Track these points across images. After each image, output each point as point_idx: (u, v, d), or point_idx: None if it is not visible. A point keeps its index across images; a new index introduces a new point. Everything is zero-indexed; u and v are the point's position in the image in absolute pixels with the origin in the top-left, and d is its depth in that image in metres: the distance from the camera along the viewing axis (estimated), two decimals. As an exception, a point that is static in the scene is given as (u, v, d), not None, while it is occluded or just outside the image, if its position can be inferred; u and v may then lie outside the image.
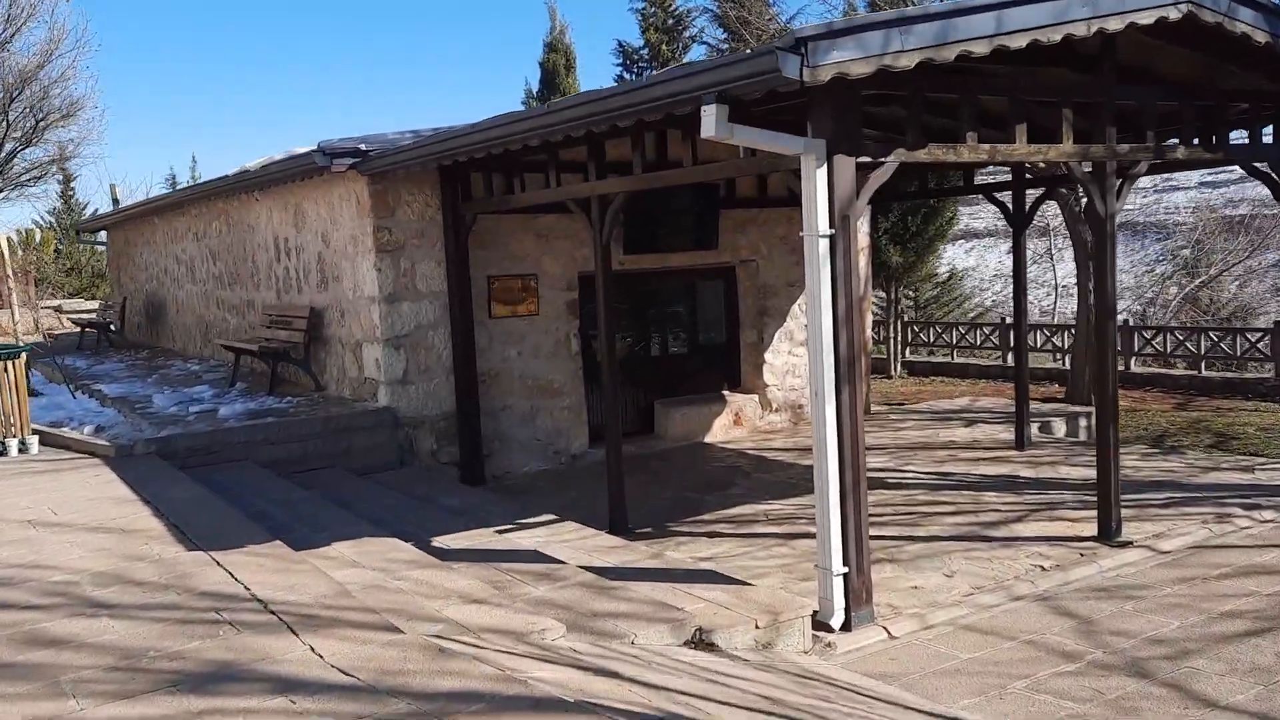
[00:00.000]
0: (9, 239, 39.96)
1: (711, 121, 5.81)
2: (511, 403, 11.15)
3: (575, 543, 7.57)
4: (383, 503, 8.53)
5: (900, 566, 7.40)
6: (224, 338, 14.87)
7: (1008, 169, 13.89)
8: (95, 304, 22.47)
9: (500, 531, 7.81)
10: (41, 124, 21.05)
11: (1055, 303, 29.93)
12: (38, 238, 35.58)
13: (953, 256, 32.77)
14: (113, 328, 18.21)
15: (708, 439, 12.48)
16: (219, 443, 9.48)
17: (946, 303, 27.58)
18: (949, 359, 21.76)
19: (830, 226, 6.21)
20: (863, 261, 13.76)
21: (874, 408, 14.14)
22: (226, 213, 14.41)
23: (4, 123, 20.50)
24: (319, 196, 11.36)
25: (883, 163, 6.41)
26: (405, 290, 10.45)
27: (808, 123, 6.18)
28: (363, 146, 9.95)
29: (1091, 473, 9.77)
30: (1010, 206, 11.08)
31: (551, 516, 8.40)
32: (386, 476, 9.96)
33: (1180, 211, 34.84)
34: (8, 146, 22.13)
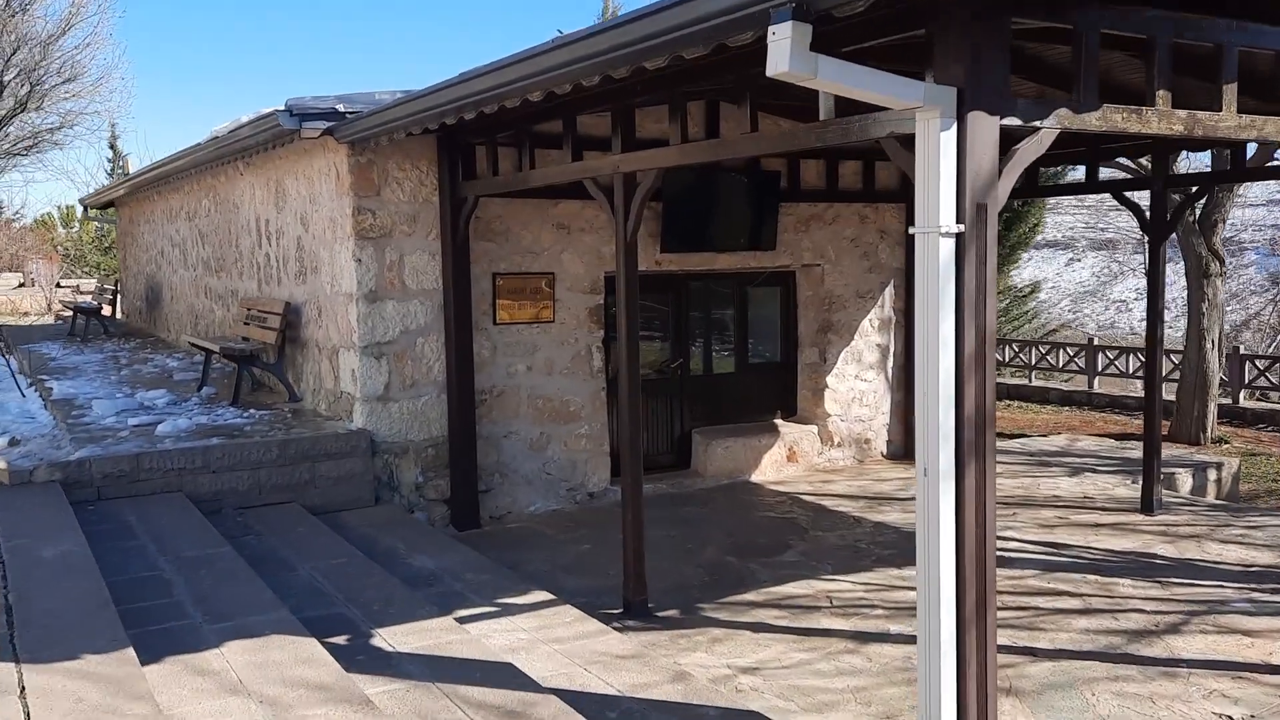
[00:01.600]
0: (47, 216, 38.73)
1: (785, 51, 3.73)
2: (517, 428, 9.16)
3: (571, 642, 5.56)
4: (330, 562, 6.58)
5: (1024, 702, 5.29)
6: (210, 331, 13.07)
7: (1124, 161, 11.60)
8: (94, 285, 20.87)
9: (469, 619, 5.82)
10: (62, 90, 19.44)
11: (1123, 320, 27.43)
12: (78, 214, 34.34)
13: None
14: (104, 311, 16.53)
15: (755, 477, 10.41)
16: (147, 469, 7.60)
17: (1016, 317, 25.19)
18: (1025, 380, 19.50)
19: (958, 220, 4.13)
20: (948, 271, 11.57)
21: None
22: (214, 189, 12.59)
23: (26, 87, 18.82)
24: (299, 170, 9.46)
25: (1037, 129, 4.29)
26: (390, 287, 8.51)
27: (931, 61, 4.09)
28: (340, 107, 8.01)
29: (1252, 554, 7.56)
30: (1148, 210, 8.86)
31: (546, 596, 6.39)
32: (353, 517, 8.02)
33: None
34: (32, 119, 20.52)
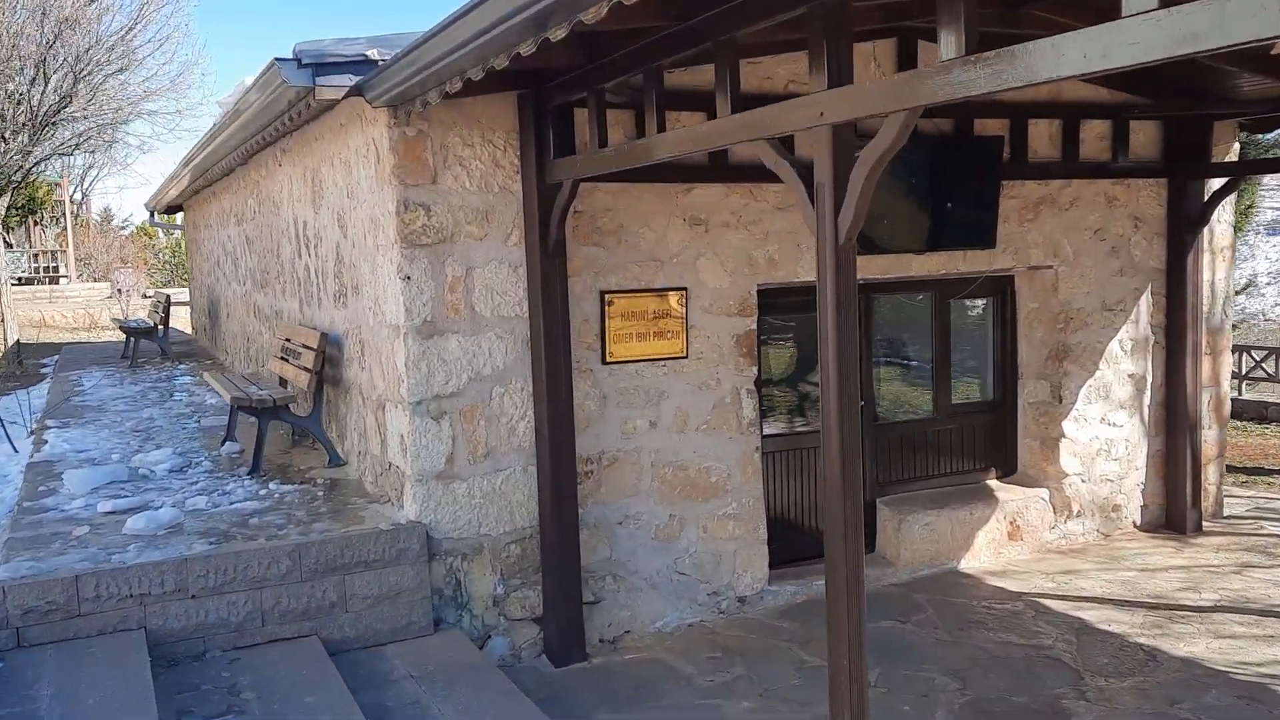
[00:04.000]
0: (147, 224, 37.60)
1: None
2: (637, 509, 6.42)
3: None
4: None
5: None
6: (259, 358, 10.71)
7: None
8: (150, 299, 18.95)
9: None
10: (115, 83, 17.47)
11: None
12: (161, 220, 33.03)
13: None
14: (159, 330, 14.43)
15: (966, 564, 7.45)
16: (92, 597, 5.10)
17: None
18: (1234, 393, 15.88)
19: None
20: (1221, 271, 8.39)
21: (1233, 499, 8.70)
22: (258, 185, 10.19)
23: (71, 78, 16.80)
24: (335, 153, 6.90)
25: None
26: (453, 315, 5.85)
27: None
28: (372, 53, 5.38)
29: None
30: None
31: None
32: (401, 659, 5.40)
33: None
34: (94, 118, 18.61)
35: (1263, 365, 15.02)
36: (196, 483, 6.90)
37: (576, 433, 6.12)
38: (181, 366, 13.77)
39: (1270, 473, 10.55)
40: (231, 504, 6.34)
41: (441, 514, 5.88)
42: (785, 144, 3.93)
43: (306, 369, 7.15)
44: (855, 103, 3.41)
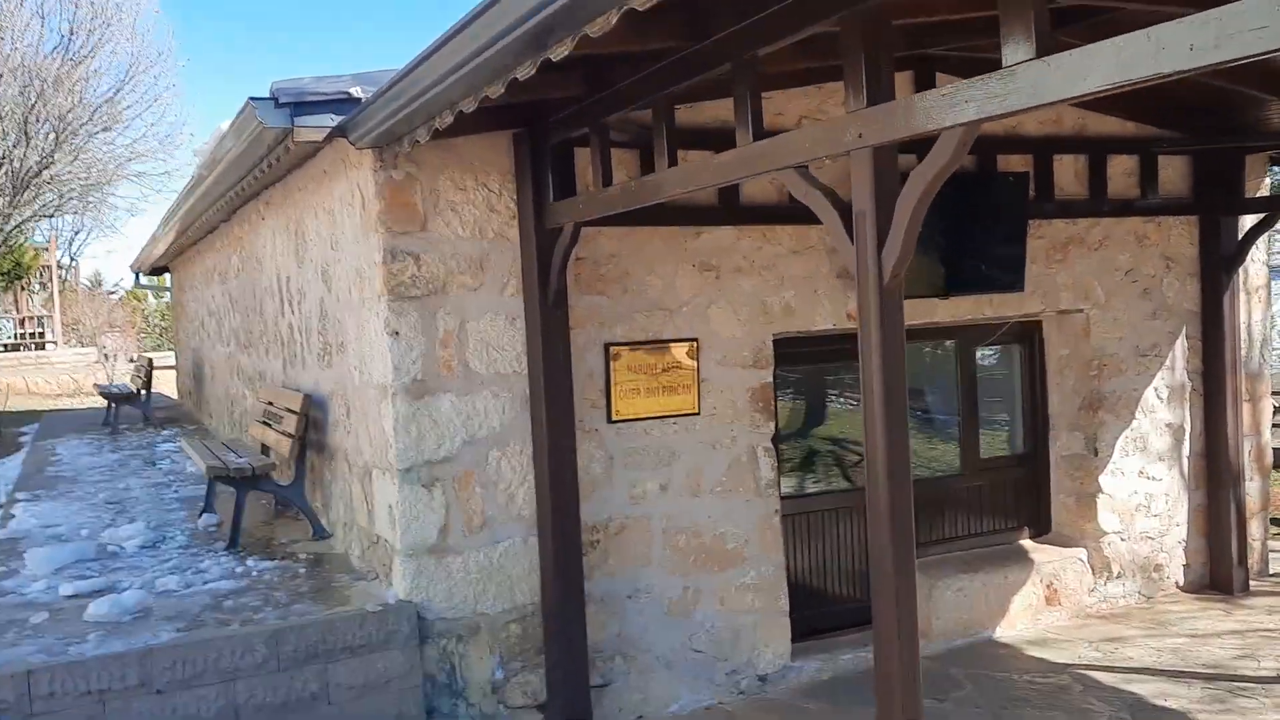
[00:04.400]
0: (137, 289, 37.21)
1: None
2: (648, 581, 5.89)
3: None
4: None
5: None
6: (244, 422, 10.19)
7: None
8: (134, 364, 18.45)
9: None
10: (100, 141, 17.14)
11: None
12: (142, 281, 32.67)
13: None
14: (140, 395, 13.91)
15: (1002, 633, 6.90)
16: (45, 695, 4.55)
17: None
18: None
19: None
20: (1258, 313, 7.96)
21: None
22: (241, 241, 9.77)
23: (53, 136, 16.36)
24: (319, 202, 6.47)
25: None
26: (446, 373, 5.37)
27: None
28: (355, 91, 4.96)
29: None
30: None
31: None
32: (389, 761, 4.83)
33: None
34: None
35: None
36: (169, 560, 6.36)
37: (581, 498, 5.62)
38: (165, 432, 13.24)
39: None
40: (205, 584, 5.79)
41: (434, 591, 5.35)
42: (810, 176, 3.47)
43: (288, 434, 6.65)
44: (900, 120, 2.97)
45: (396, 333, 5.26)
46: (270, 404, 7.45)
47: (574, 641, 5.47)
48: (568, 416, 5.45)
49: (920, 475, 7.21)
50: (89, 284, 40.56)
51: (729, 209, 5.97)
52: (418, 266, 5.29)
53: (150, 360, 13.95)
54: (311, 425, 6.77)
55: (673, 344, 5.93)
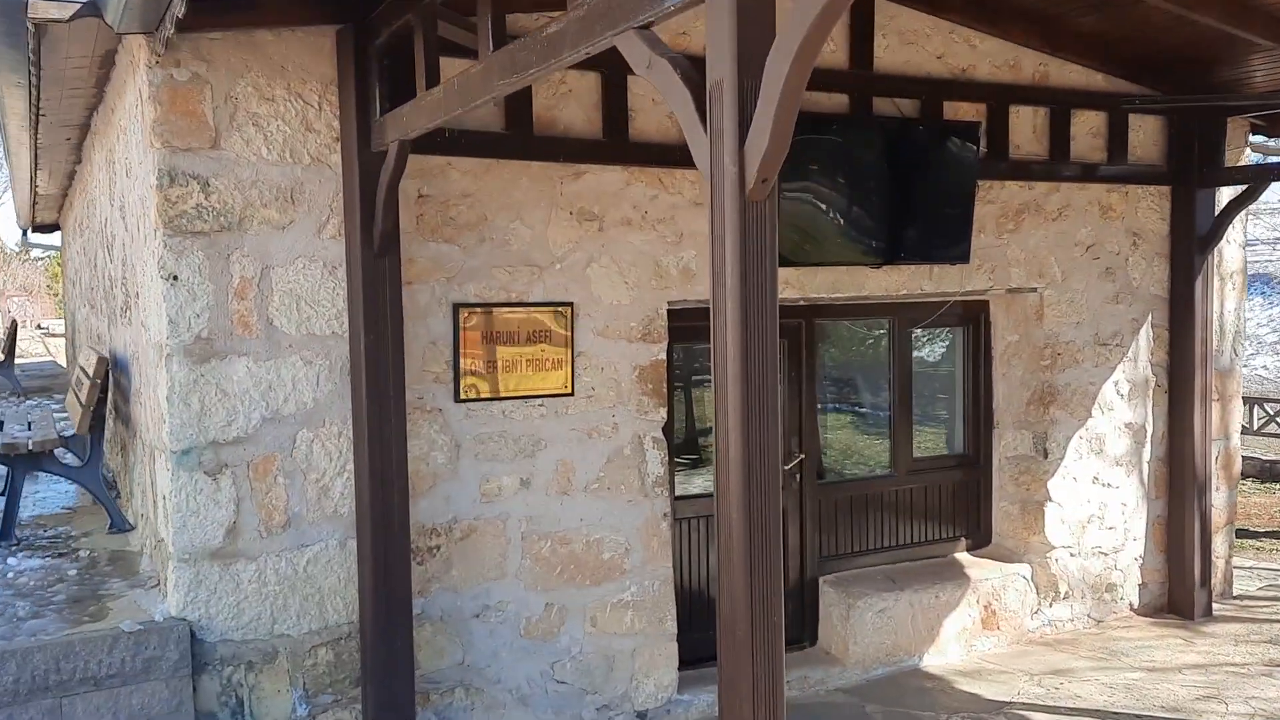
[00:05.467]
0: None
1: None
2: (502, 596, 4.80)
3: None
4: None
5: None
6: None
7: None
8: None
9: None
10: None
11: None
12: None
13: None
14: (3, 362, 12.54)
15: (932, 661, 5.91)
16: None
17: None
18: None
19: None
20: (1231, 302, 7.03)
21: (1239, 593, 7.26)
22: (84, 183, 8.49)
23: None
24: (118, 120, 5.28)
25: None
26: (241, 330, 4.23)
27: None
28: (117, -46, 3.78)
29: None
30: None
31: None
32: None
33: None
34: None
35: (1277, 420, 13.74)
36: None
37: (417, 494, 4.53)
38: (30, 403, 11.90)
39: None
40: (-61, 591, 4.61)
41: (217, 607, 4.22)
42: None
43: (82, 404, 5.47)
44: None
45: (175, 277, 4.11)
46: (81, 369, 6.26)
47: (399, 670, 4.37)
48: (398, 391, 4.34)
49: (845, 476, 6.21)
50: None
51: (616, 145, 4.89)
52: (205, 194, 4.14)
53: (15, 322, 12.58)
54: (119, 394, 5.60)
55: (542, 309, 4.84)
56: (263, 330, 4.27)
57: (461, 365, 4.67)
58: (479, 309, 4.70)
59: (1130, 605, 6.68)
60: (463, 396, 4.68)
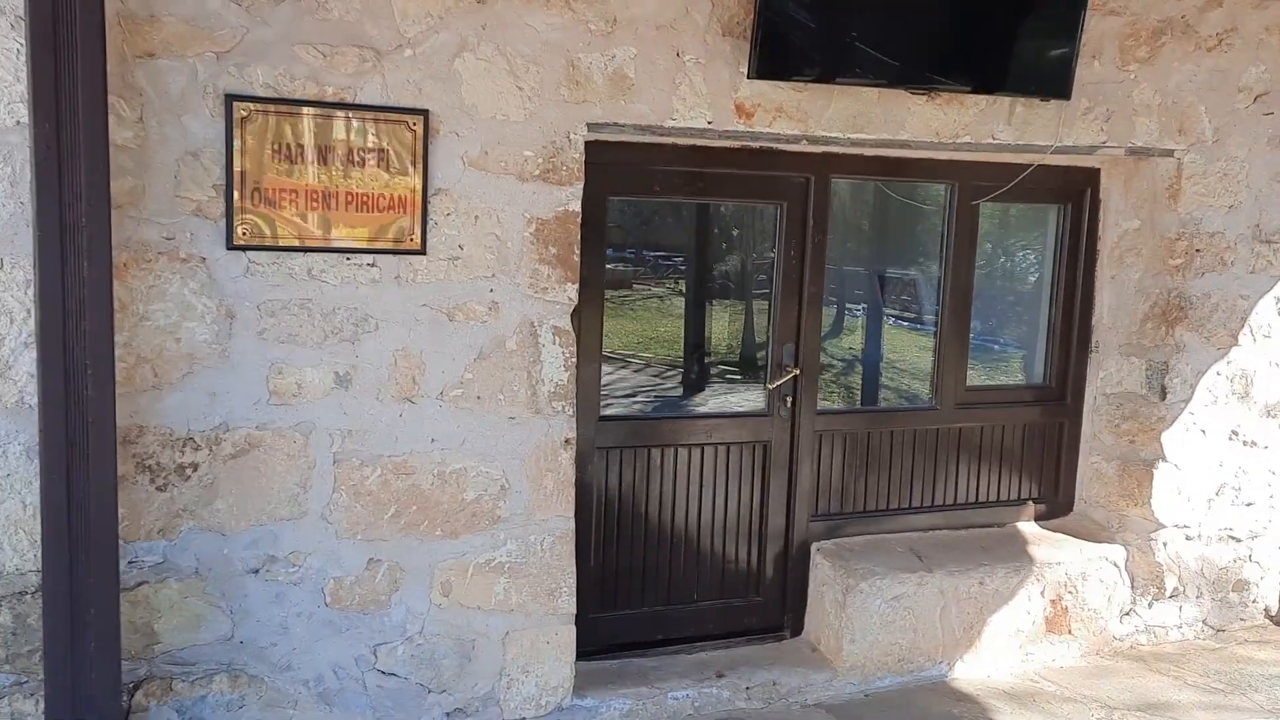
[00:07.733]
0: None
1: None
2: (296, 543, 3.23)
3: None
4: None
5: None
6: None
7: None
8: None
9: None
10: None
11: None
12: None
13: None
14: None
15: (965, 671, 4.15)
16: None
17: None
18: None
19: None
20: None
21: None
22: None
23: None
24: None
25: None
26: None
27: None
28: None
29: None
30: None
31: None
32: None
33: None
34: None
35: None
36: None
37: (162, 384, 2.97)
38: None
39: None
40: None
41: None
42: None
43: None
44: None
45: None
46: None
47: (92, 652, 2.86)
48: (97, 216, 2.74)
49: (867, 403, 4.43)
50: None
51: None
52: None
53: None
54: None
55: (377, 115, 3.15)
56: (-106, 111, 2.71)
57: (239, 194, 3.04)
58: (271, 106, 3.03)
59: (1267, 611, 4.77)
60: (240, 241, 3.06)
